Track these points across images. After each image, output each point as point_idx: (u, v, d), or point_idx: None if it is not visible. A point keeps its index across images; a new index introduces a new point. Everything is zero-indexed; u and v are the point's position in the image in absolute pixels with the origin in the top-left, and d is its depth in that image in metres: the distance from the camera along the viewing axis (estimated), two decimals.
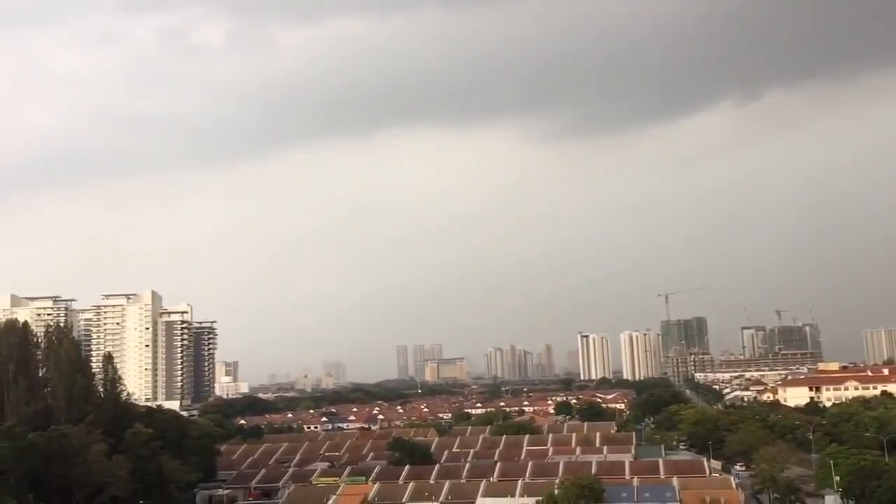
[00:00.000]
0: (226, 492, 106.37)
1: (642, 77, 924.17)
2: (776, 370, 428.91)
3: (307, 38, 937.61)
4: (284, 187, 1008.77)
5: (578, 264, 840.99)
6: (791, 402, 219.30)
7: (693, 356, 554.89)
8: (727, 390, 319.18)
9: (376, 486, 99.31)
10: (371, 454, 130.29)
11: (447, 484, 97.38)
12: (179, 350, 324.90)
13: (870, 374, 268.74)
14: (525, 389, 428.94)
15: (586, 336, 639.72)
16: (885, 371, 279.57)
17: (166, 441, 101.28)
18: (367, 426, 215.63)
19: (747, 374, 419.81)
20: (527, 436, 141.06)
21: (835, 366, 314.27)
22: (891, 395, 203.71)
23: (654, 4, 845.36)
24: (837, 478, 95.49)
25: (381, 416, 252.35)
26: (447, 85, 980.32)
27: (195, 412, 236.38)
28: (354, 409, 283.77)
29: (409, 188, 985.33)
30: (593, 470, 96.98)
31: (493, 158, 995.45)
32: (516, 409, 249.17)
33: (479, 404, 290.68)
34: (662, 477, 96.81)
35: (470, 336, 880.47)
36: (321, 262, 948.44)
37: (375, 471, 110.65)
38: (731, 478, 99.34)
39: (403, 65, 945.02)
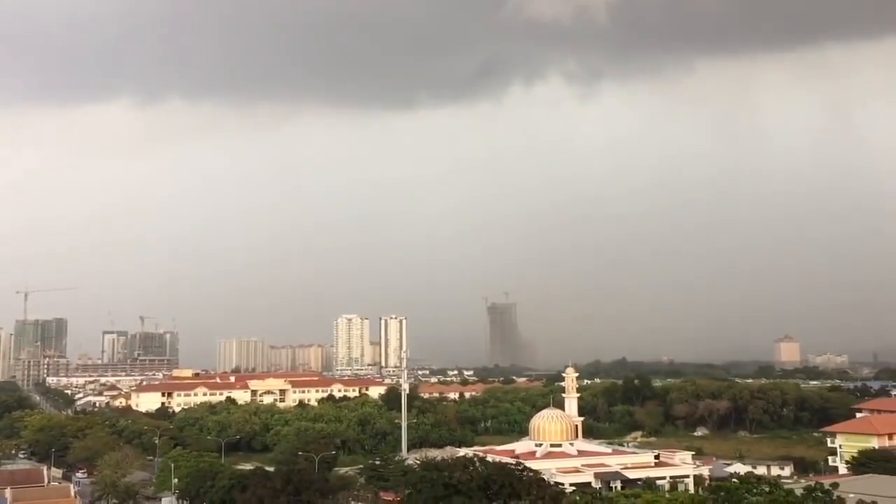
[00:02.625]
0: None
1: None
2: (133, 375, 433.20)
3: None
4: None
5: None
6: (143, 408, 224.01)
7: (48, 359, 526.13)
8: (80, 395, 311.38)
9: None
10: None
11: None
12: None
13: (219, 380, 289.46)
14: None
15: None
16: (232, 378, 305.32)
17: None
18: None
19: (103, 380, 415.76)
20: None
21: (188, 372, 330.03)
22: (234, 400, 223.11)
23: None
24: (176, 480, 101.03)
25: None
26: None
27: None
28: None
29: None
30: None
31: None
32: None
33: None
34: None
35: None
36: None
37: None
38: (71, 486, 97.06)
39: None
